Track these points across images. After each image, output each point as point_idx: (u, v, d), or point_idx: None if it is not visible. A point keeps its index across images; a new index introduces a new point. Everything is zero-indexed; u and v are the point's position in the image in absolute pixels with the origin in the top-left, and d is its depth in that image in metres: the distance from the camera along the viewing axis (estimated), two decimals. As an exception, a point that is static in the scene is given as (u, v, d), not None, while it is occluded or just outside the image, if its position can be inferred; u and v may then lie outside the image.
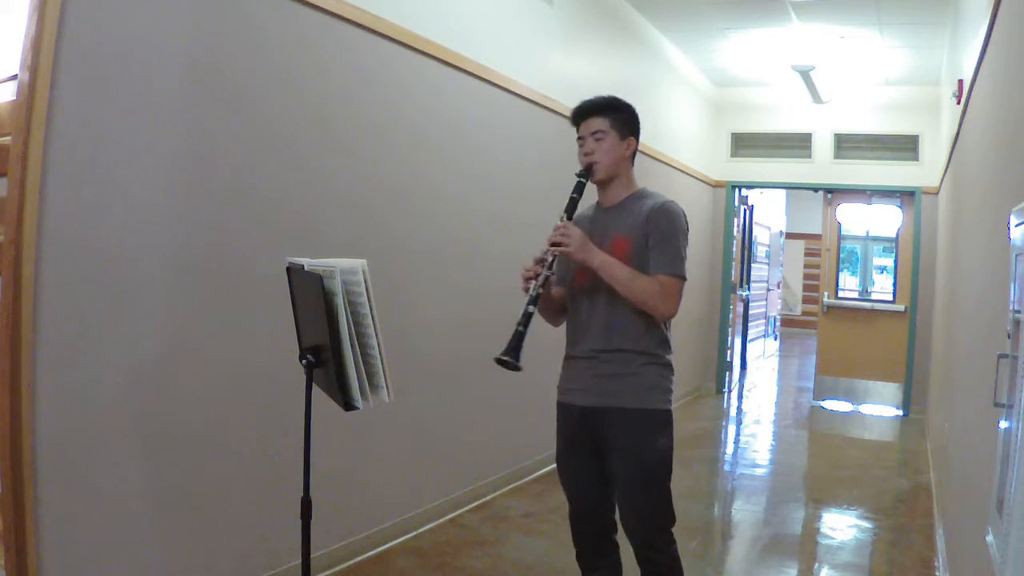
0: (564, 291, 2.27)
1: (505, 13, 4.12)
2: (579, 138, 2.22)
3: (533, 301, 2.07)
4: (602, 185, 2.23)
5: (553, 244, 2.07)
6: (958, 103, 3.84)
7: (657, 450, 2.10)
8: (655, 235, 2.09)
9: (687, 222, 2.16)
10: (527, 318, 2.06)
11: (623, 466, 2.11)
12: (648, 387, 2.11)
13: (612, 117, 2.18)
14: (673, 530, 2.17)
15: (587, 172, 2.17)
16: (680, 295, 2.09)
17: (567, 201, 2.14)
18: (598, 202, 2.28)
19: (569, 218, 2.13)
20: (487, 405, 4.10)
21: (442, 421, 3.72)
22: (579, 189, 2.17)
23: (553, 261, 2.11)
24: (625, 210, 2.18)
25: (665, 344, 2.17)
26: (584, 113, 2.21)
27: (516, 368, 2.03)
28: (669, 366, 2.17)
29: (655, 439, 2.10)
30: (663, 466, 2.13)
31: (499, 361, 2.04)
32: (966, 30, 3.64)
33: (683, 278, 2.09)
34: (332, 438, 2.89)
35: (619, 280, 2.05)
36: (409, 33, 3.31)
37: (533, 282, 2.08)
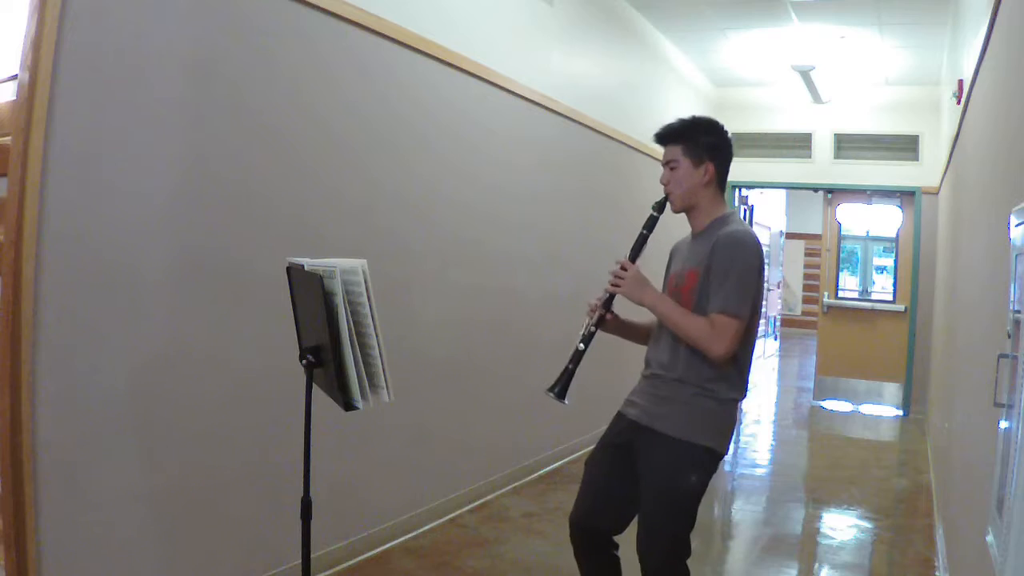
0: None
1: (505, 13, 4.12)
2: (662, 163, 2.19)
3: (585, 339, 2.12)
4: (686, 213, 2.19)
5: (611, 281, 2.12)
6: (958, 103, 3.84)
7: (685, 485, 2.04)
8: (716, 268, 2.01)
9: (758, 255, 2.04)
10: (577, 356, 2.13)
11: (648, 490, 2.08)
12: (693, 419, 2.04)
13: (686, 144, 2.11)
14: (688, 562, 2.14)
15: (661, 206, 2.16)
16: (735, 336, 1.97)
17: (636, 238, 2.17)
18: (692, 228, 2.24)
19: (633, 258, 2.14)
20: (487, 405, 4.10)
21: (442, 421, 3.72)
22: (650, 225, 2.16)
23: (611, 300, 2.14)
24: (703, 239, 2.12)
25: (726, 381, 2.06)
26: (660, 139, 2.17)
27: (561, 401, 2.12)
28: (725, 403, 2.07)
29: (686, 474, 2.04)
30: (688, 502, 2.06)
31: (550, 391, 2.14)
32: (966, 30, 3.64)
33: (739, 317, 1.98)
34: (332, 438, 2.89)
35: (669, 320, 2.05)
36: (409, 33, 3.31)
37: (587, 320, 2.13)
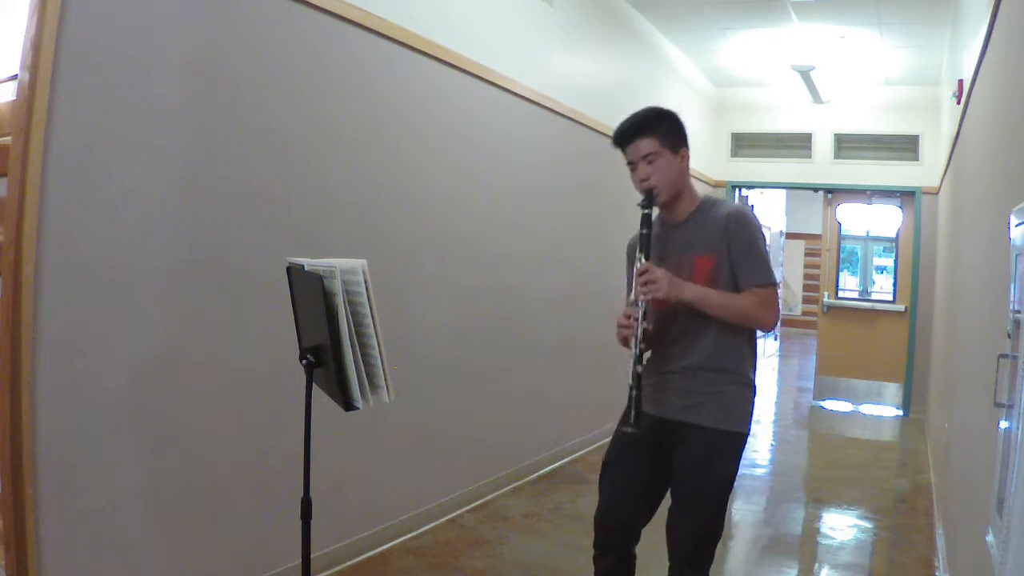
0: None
1: (505, 13, 4.12)
2: (629, 163, 2.10)
3: (639, 359, 2.03)
4: (666, 204, 2.13)
5: (642, 290, 1.99)
6: (958, 103, 3.84)
7: (724, 473, 2.06)
8: (738, 246, 2.02)
9: (760, 226, 2.11)
10: (638, 379, 2.03)
11: (686, 483, 2.07)
12: (731, 408, 2.06)
13: (659, 134, 2.06)
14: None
15: (649, 201, 2.07)
16: (776, 303, 2.05)
17: (640, 239, 2.07)
18: (661, 217, 2.16)
19: (647, 258, 2.04)
20: (487, 405, 4.10)
21: (442, 421, 3.72)
22: (647, 223, 2.05)
23: (646, 310, 2.03)
24: (697, 224, 2.10)
25: (749, 362, 2.11)
26: (627, 136, 2.08)
27: (636, 433, 2.03)
28: (752, 386, 2.11)
29: (726, 462, 2.06)
30: (726, 488, 2.08)
31: (627, 427, 2.05)
32: (966, 30, 3.64)
33: (775, 285, 2.05)
34: (332, 438, 2.89)
35: (717, 307, 2.00)
36: (409, 33, 3.31)
37: (634, 339, 2.02)
